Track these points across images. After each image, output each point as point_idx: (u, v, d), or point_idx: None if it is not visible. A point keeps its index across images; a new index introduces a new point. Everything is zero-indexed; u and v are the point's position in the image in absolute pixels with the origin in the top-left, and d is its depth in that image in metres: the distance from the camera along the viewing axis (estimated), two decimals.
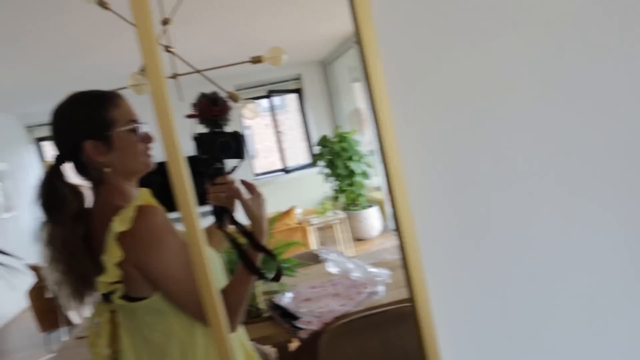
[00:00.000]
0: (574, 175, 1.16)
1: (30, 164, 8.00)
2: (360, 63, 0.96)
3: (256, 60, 2.16)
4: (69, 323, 5.01)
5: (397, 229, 1.01)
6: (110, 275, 1.16)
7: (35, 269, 5.07)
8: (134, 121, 1.29)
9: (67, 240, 1.22)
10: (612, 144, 1.16)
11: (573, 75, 1.14)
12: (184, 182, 0.91)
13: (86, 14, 3.37)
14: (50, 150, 7.40)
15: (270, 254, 1.36)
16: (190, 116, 1.41)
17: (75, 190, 1.28)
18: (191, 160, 1.36)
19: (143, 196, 1.29)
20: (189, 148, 1.29)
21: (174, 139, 0.91)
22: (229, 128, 1.43)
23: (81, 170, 1.30)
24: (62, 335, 4.99)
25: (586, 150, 1.15)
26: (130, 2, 0.85)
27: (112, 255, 1.15)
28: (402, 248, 1.01)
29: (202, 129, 1.41)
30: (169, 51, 2.25)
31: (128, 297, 1.23)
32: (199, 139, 1.38)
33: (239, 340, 1.41)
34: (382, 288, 2.33)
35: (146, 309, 1.24)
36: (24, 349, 4.95)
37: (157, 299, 1.23)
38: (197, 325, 1.27)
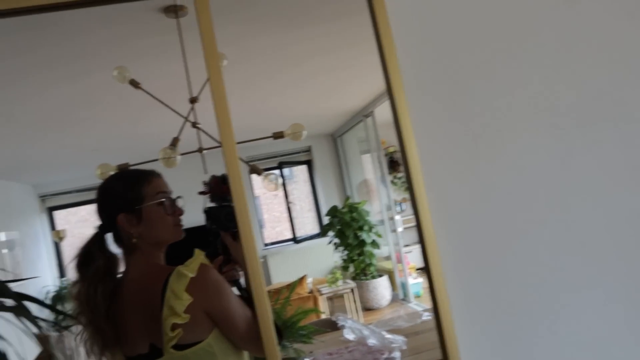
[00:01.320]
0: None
1: (41, 233, 8.13)
2: (392, 115, 1.10)
3: (278, 136, 2.32)
4: None
5: (431, 293, 1.10)
6: (181, 317, 1.29)
7: (41, 338, 5.08)
8: (164, 193, 1.46)
9: (90, 297, 1.37)
10: None
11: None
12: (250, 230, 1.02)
13: (109, 89, 3.60)
14: (60, 220, 7.58)
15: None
16: (202, 193, 1.56)
17: (109, 256, 1.45)
18: (202, 229, 1.53)
19: (200, 255, 1.42)
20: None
21: (245, 204, 1.03)
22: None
23: (117, 239, 1.48)
24: None
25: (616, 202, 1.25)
26: (210, 77, 0.99)
27: (184, 299, 1.29)
28: (434, 300, 1.10)
29: (212, 204, 1.56)
30: (195, 127, 2.42)
31: (179, 347, 1.32)
32: (208, 212, 1.54)
33: None
34: (398, 354, 2.38)
35: (198, 355, 1.34)
36: None
37: (212, 340, 1.35)
38: None
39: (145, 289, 1.39)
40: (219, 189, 1.51)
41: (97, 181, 6.40)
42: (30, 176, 7.30)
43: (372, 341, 2.50)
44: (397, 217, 7.04)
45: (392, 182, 8.43)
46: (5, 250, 6.64)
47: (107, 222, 1.46)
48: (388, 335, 2.52)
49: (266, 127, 2.79)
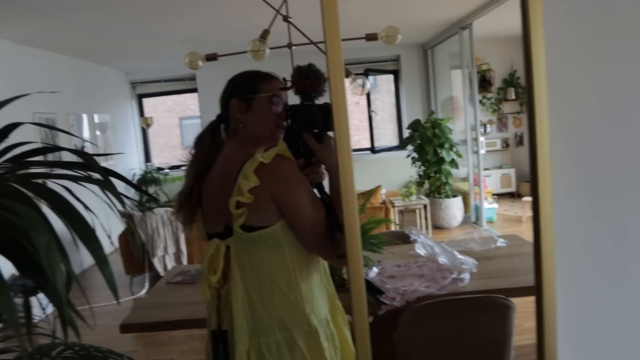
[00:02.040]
0: None
1: (131, 118, 8.52)
2: (524, 55, 0.96)
3: (371, 37, 2.20)
4: (151, 270, 5.37)
5: (535, 216, 1.01)
6: (245, 197, 1.34)
7: (127, 216, 5.45)
8: (277, 97, 1.48)
9: (187, 172, 1.55)
10: None
11: None
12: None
13: None
14: (148, 108, 7.84)
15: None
16: (283, 89, 1.49)
17: (217, 141, 1.55)
18: (287, 129, 1.47)
19: (282, 146, 1.42)
20: None
21: (343, 106, 0.97)
22: (321, 100, 1.45)
23: (227, 127, 1.56)
24: (145, 280, 5.37)
25: None
26: None
27: (251, 180, 1.34)
28: (536, 233, 1.01)
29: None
30: (286, 21, 2.33)
31: (247, 228, 1.38)
32: (289, 110, 1.47)
33: (328, 292, 1.55)
34: (467, 276, 2.34)
35: (264, 239, 1.39)
36: (105, 288, 5.35)
37: (277, 228, 1.38)
38: (306, 261, 1.44)
39: (227, 170, 1.45)
40: (302, 84, 1.42)
41: (185, 72, 6.59)
42: (123, 63, 7.53)
43: (442, 259, 2.47)
44: (481, 139, 6.82)
45: (481, 102, 8.10)
46: (97, 132, 7.04)
47: (224, 108, 1.53)
48: (460, 256, 2.48)
49: (355, 32, 2.67)
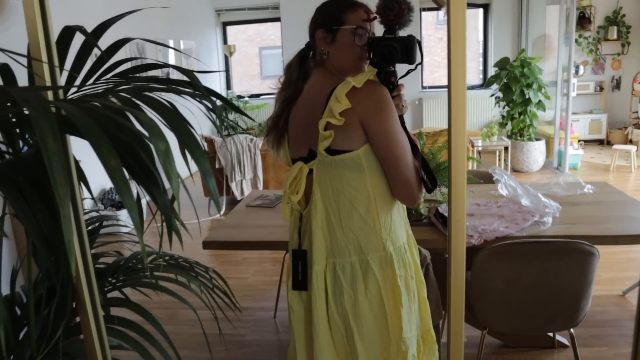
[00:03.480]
0: None
1: (215, 45, 8.63)
2: None
3: None
4: (228, 193, 5.59)
5: None
6: (336, 119, 1.36)
7: (208, 140, 5.64)
8: (362, 28, 1.45)
9: (276, 99, 1.59)
10: None
11: None
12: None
13: None
14: (230, 37, 7.88)
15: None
16: (366, 20, 1.44)
17: (305, 68, 1.55)
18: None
19: (370, 71, 1.42)
20: None
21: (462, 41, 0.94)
22: (405, 32, 1.41)
23: (313, 55, 1.56)
24: (222, 202, 5.61)
25: None
26: None
27: (342, 103, 1.35)
28: None
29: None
30: None
31: (331, 152, 1.42)
32: (370, 43, 1.42)
33: (405, 223, 1.58)
34: (550, 219, 2.29)
35: (346, 163, 1.42)
36: (188, 207, 5.64)
37: (361, 153, 1.40)
38: (387, 188, 1.46)
39: (316, 95, 1.47)
40: (385, 16, 1.37)
41: (269, 1, 6.59)
42: None
43: (525, 201, 2.41)
44: (573, 81, 6.41)
45: (577, 41, 7.57)
46: (183, 58, 7.21)
47: (311, 37, 1.53)
48: (544, 199, 2.41)
49: None
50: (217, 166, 5.57)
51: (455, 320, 1.07)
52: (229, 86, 9.00)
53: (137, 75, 1.17)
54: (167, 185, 0.84)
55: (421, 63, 1.42)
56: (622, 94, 7.76)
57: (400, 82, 1.44)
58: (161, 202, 0.84)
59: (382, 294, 1.47)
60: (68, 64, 1.14)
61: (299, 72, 1.54)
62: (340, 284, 1.47)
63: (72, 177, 0.88)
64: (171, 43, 6.84)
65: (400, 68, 1.42)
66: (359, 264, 1.46)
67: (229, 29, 9.05)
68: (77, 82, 1.17)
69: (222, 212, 5.50)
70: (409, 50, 1.38)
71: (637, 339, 1.07)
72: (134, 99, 0.89)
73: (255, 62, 14.69)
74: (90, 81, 1.17)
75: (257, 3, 8.30)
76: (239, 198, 5.56)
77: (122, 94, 0.92)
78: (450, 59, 0.92)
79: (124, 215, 5.00)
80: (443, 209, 2.34)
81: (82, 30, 1.00)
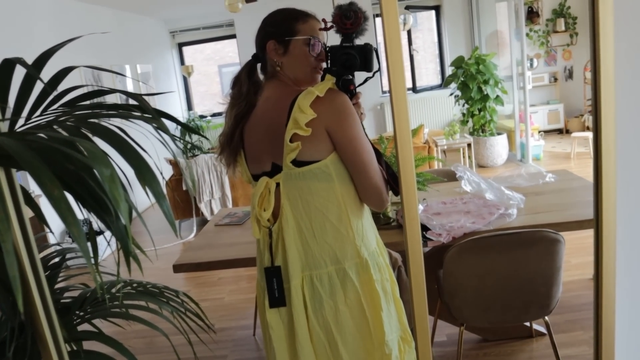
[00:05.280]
0: None
1: (172, 67, 8.58)
2: None
3: None
4: (198, 214, 5.54)
5: (596, 147, 0.98)
6: (302, 130, 1.36)
7: (173, 163, 5.59)
8: (314, 38, 1.46)
9: (227, 114, 1.56)
10: None
11: None
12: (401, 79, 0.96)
13: None
14: (188, 57, 7.82)
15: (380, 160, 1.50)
16: (322, 29, 1.46)
17: (254, 81, 1.53)
18: (325, 71, 1.44)
19: (329, 79, 1.42)
20: None
21: (398, 50, 0.95)
22: (361, 41, 1.42)
23: (263, 67, 1.54)
24: (193, 224, 5.55)
25: None
26: None
27: (307, 113, 1.35)
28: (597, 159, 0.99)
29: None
30: None
31: (297, 163, 1.41)
32: (328, 51, 1.42)
33: (373, 227, 1.58)
34: (515, 211, 2.32)
35: (315, 173, 1.41)
36: (159, 232, 5.57)
37: (329, 162, 1.40)
38: (356, 194, 1.46)
39: (275, 107, 1.46)
40: (342, 25, 1.38)
41: (223, 18, 6.56)
42: (162, 11, 7.52)
43: (489, 195, 2.45)
44: (528, 74, 6.57)
45: (528, 35, 7.77)
46: (140, 82, 7.14)
47: (260, 49, 1.52)
48: (507, 192, 2.45)
49: None
50: (184, 188, 5.51)
51: (420, 316, 1.08)
52: (190, 107, 8.94)
53: (84, 103, 1.15)
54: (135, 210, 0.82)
55: (379, 70, 1.44)
56: (575, 83, 7.98)
57: (358, 89, 1.45)
58: (114, 228, 0.83)
59: (362, 300, 1.46)
60: (12, 97, 1.11)
61: (249, 85, 1.52)
62: (319, 295, 1.45)
63: (20, 211, 0.86)
64: (127, 68, 6.77)
65: (357, 76, 1.44)
66: (336, 273, 1.45)
67: (186, 49, 9.00)
68: (24, 114, 1.15)
69: (193, 234, 5.43)
70: (367, 58, 1.40)
71: (597, 324, 1.09)
72: (81, 128, 0.87)
73: (215, 80, 14.63)
74: (37, 113, 1.14)
75: (211, 22, 8.29)
76: (209, 218, 5.50)
77: (68, 123, 0.90)
78: (388, 61, 0.93)
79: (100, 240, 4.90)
80: None
81: (22, 62, 0.98)
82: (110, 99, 1.32)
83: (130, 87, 6.82)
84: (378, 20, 8.23)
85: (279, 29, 1.48)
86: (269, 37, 1.48)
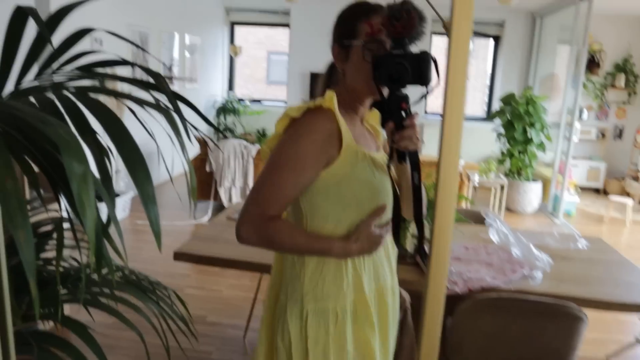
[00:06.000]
0: None
1: (220, 44, 8.50)
2: None
3: None
4: (216, 198, 5.44)
5: None
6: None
7: (201, 141, 5.50)
8: (376, 39, 1.20)
9: None
10: None
11: None
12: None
13: None
14: (239, 37, 7.73)
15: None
16: (369, 34, 1.20)
17: (329, 83, 1.34)
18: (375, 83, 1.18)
19: (327, 96, 1.21)
20: None
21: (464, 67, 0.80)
22: (416, 48, 1.16)
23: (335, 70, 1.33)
24: (209, 207, 5.46)
25: None
26: None
27: (277, 130, 1.23)
28: None
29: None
30: None
31: None
32: (375, 61, 1.15)
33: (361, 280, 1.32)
34: (540, 275, 2.15)
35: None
36: (173, 207, 5.48)
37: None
38: (329, 229, 1.26)
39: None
40: (391, 27, 1.12)
41: (282, 5, 6.45)
42: None
43: (516, 251, 2.28)
44: (577, 125, 6.31)
45: (584, 84, 7.48)
46: (187, 53, 7.08)
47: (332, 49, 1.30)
48: (536, 251, 2.27)
49: None
50: (207, 169, 5.42)
51: None
52: (231, 87, 8.87)
53: (99, 70, 1.03)
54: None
55: (438, 85, 1.13)
56: (623, 143, 7.67)
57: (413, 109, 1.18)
58: (86, 225, 0.70)
59: (293, 347, 1.28)
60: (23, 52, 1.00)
61: (324, 88, 1.32)
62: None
63: None
64: (176, 36, 6.71)
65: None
66: (282, 303, 1.31)
67: (238, 29, 8.92)
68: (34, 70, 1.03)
69: (207, 217, 5.33)
70: (422, 68, 1.13)
71: None
72: (75, 100, 0.74)
73: (262, 65, 14.58)
74: (49, 71, 1.03)
75: (267, 6, 8.20)
76: (225, 204, 5.40)
77: (65, 92, 0.77)
78: (447, 88, 0.78)
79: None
80: (429, 247, 2.19)
81: (33, 13, 0.86)
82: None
83: (175, 56, 6.76)
84: (435, 37, 8.04)
85: (342, 29, 1.26)
86: (334, 40, 1.28)
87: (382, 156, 1.34)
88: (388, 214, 1.32)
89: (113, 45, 4.67)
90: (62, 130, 0.56)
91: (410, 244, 2.30)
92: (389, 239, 1.38)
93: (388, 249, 1.39)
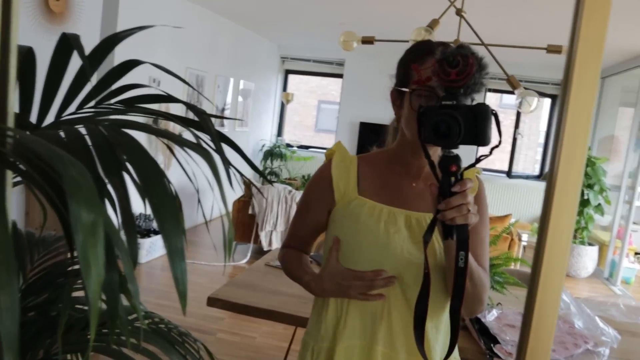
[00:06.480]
0: None
1: (274, 91, 8.64)
2: None
3: (553, 49, 1.86)
4: (256, 242, 5.37)
5: None
6: None
7: (247, 184, 5.48)
8: (427, 87, 1.07)
9: None
10: None
11: None
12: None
13: None
14: (292, 85, 7.86)
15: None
16: (417, 82, 1.06)
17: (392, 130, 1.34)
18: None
19: (336, 146, 1.29)
20: None
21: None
22: (469, 100, 0.97)
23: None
24: (249, 250, 5.38)
25: None
26: None
27: None
28: None
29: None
30: (459, 14, 2.05)
31: None
32: (420, 111, 0.98)
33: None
34: (607, 352, 1.94)
35: None
36: (211, 248, 5.44)
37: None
38: None
39: None
40: (444, 74, 0.92)
41: (334, 56, 6.51)
42: (278, 35, 7.62)
43: (578, 322, 2.08)
44: (638, 189, 5.99)
45: None
46: (240, 98, 7.21)
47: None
48: (602, 324, 2.07)
49: (528, 42, 2.33)
50: (249, 212, 5.39)
51: None
52: (280, 133, 8.95)
53: (141, 105, 0.97)
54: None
55: (498, 146, 0.95)
56: None
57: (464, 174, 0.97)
58: (88, 288, 0.61)
59: None
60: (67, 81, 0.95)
61: (393, 136, 1.31)
62: None
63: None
64: (231, 81, 6.85)
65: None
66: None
67: (292, 77, 9.07)
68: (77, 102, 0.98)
69: (246, 259, 5.26)
70: (479, 124, 0.94)
71: None
72: (104, 132, 0.67)
73: (312, 113, 14.77)
74: (92, 103, 0.98)
75: (322, 56, 8.31)
76: (265, 248, 5.32)
77: (99, 125, 0.70)
78: (556, 146, 0.64)
79: (147, 243, 4.82)
80: (486, 318, 2.02)
81: (76, 41, 0.81)
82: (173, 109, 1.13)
83: (229, 100, 6.88)
84: (488, 94, 7.92)
85: (397, 72, 1.18)
86: (393, 84, 1.19)
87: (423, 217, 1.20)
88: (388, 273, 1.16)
89: (169, 86, 4.77)
90: (73, 169, 0.47)
91: None
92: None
93: (403, 312, 1.18)
